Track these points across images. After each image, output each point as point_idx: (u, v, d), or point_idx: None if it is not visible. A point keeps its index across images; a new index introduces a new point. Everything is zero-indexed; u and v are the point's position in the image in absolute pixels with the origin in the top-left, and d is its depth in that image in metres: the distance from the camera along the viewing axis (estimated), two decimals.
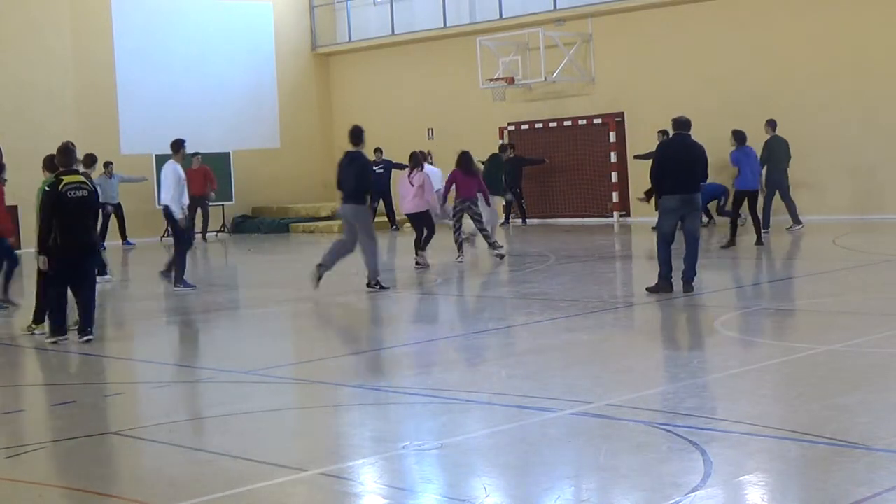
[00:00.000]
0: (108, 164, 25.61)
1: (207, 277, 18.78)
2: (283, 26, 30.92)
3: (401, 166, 26.55)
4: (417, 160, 17.63)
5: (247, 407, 8.44)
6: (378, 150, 26.97)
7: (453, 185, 17.79)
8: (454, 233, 18.12)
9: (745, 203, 18.52)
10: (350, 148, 15.11)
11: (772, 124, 20.75)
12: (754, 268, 16.71)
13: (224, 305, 15.11)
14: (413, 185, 17.39)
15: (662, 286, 13.10)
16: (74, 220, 11.47)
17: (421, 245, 17.51)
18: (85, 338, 11.60)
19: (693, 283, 13.12)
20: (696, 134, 13.60)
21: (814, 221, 21.87)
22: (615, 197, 25.46)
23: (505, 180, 23.67)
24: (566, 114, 26.51)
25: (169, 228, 16.16)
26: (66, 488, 6.64)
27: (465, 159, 17.88)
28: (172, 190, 15.68)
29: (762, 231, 18.94)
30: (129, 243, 26.00)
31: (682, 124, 13.34)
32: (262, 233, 28.70)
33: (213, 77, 29.28)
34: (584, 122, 26.10)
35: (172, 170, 15.85)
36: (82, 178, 11.74)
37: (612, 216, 25.56)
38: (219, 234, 28.65)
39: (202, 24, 29.35)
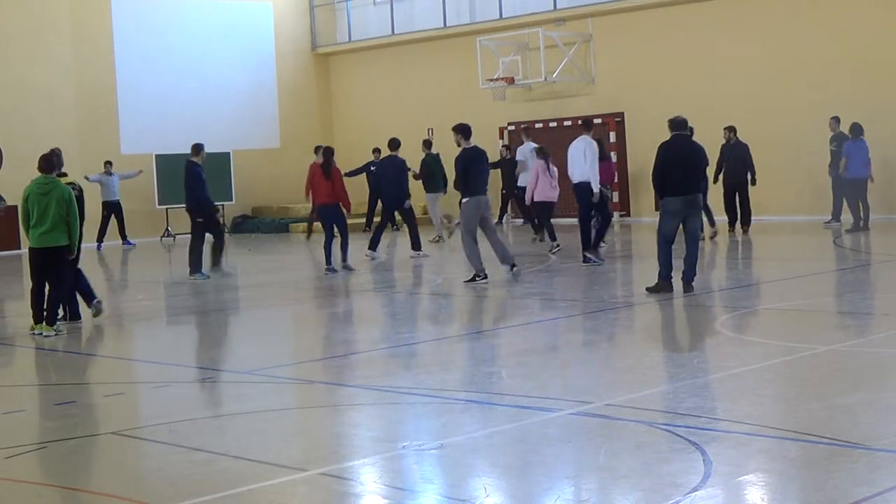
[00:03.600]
0: (107, 163, 25.67)
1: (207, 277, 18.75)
2: (283, 26, 30.92)
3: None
4: (547, 153, 19.37)
5: (247, 407, 8.44)
6: (376, 150, 26.95)
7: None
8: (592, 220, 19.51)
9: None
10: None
11: (836, 122, 21.30)
12: (755, 268, 16.71)
13: (224, 305, 15.11)
14: (552, 177, 19.16)
15: (663, 286, 13.10)
16: None
17: (550, 233, 19.58)
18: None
19: (693, 284, 13.13)
20: (695, 134, 13.59)
21: (814, 221, 21.89)
22: (615, 197, 25.43)
23: (504, 181, 24.61)
24: (566, 114, 26.49)
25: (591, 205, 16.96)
26: (66, 488, 6.64)
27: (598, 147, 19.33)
28: (589, 165, 16.52)
29: (861, 219, 19.95)
30: (128, 243, 25.97)
31: (679, 124, 13.28)
32: (261, 233, 28.69)
33: (213, 77, 29.29)
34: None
35: (588, 145, 16.64)
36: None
37: (612, 216, 25.52)
38: None
39: (202, 24, 29.36)
